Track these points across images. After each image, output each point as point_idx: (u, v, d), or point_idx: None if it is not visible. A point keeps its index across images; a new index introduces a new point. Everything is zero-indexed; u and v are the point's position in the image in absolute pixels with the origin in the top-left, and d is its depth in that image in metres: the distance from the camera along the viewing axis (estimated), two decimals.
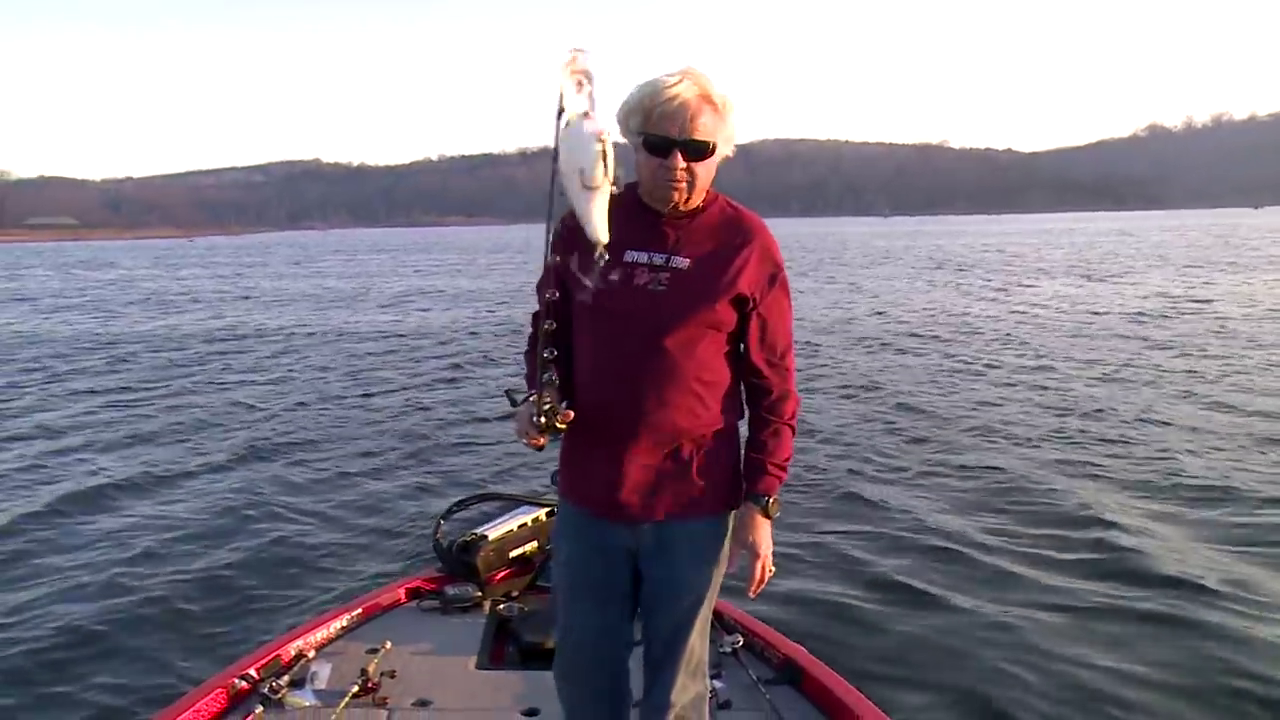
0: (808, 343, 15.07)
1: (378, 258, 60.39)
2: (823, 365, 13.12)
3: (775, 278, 2.17)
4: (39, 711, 4.00)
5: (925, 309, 21.03)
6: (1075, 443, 8.28)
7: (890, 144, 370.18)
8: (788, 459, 2.26)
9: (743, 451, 2.26)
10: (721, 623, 3.44)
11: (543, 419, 1.99)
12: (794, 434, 2.26)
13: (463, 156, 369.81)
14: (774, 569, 2.27)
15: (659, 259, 2.10)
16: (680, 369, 2.09)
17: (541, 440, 2.04)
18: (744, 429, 2.27)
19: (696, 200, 2.10)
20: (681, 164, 2.01)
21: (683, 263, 2.09)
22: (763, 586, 2.28)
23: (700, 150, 2.02)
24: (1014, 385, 11.28)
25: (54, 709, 4.01)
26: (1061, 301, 21.72)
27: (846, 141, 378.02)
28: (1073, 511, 6.30)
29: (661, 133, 2.00)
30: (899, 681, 4.13)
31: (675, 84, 1.99)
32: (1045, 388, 11.02)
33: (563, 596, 2.34)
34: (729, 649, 3.26)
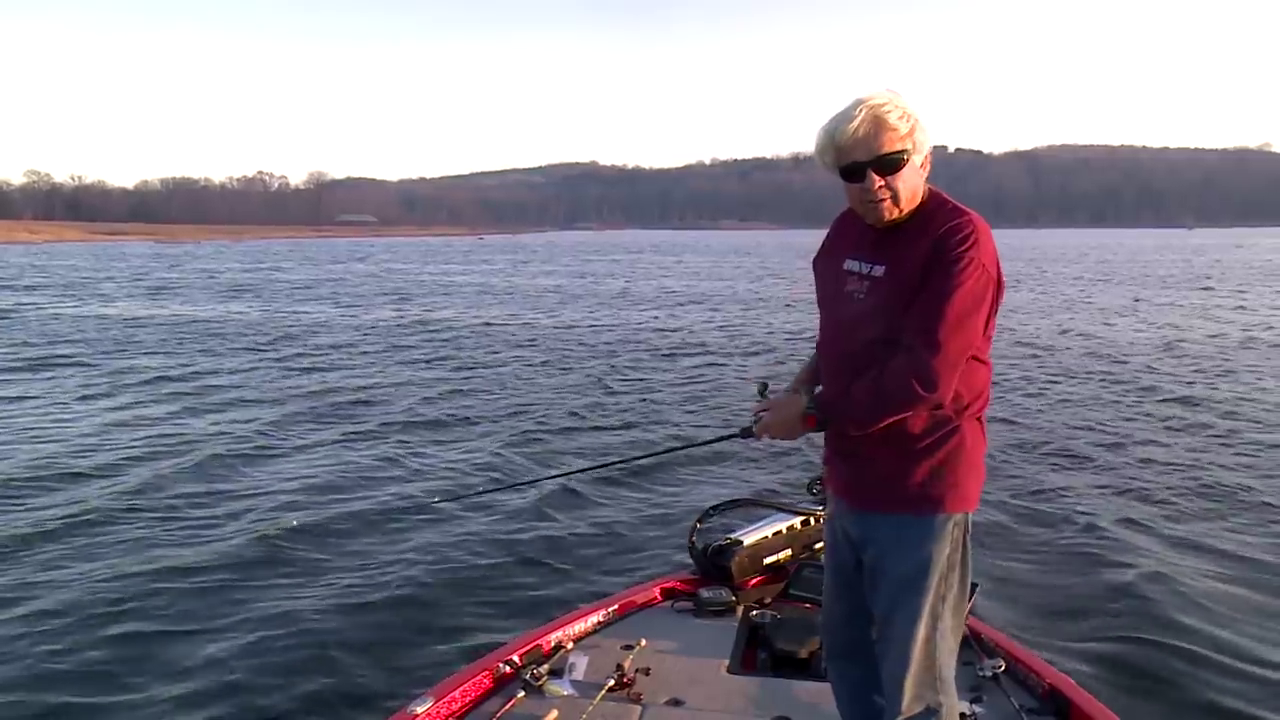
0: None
1: (634, 257, 61.94)
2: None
3: (940, 260, 2.12)
4: (321, 677, 4.31)
5: (1119, 331, 18.81)
6: None
7: (1197, 149, 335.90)
8: (847, 405, 2.22)
9: (931, 456, 2.23)
10: (981, 645, 3.32)
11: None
12: (875, 403, 2.16)
13: (735, 160, 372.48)
14: (770, 439, 2.37)
15: (865, 268, 2.27)
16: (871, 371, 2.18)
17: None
18: (934, 431, 2.22)
19: (906, 210, 2.21)
20: (879, 182, 2.16)
21: (879, 271, 2.23)
22: (763, 434, 2.37)
23: (893, 164, 2.15)
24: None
25: (328, 679, 4.30)
26: None
27: (1144, 147, 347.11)
28: None
29: (852, 160, 2.17)
30: None
31: (855, 112, 2.14)
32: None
33: None
34: (989, 673, 3.12)
